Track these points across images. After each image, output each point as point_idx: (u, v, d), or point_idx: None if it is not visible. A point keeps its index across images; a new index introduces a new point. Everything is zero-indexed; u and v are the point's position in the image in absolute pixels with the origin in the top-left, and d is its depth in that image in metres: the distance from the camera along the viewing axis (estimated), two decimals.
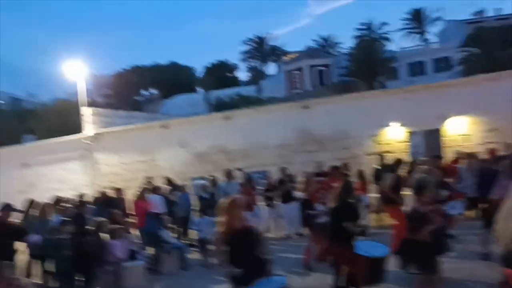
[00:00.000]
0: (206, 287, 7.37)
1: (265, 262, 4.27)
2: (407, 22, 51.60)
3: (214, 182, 11.22)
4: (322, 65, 44.78)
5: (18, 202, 8.54)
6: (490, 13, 49.35)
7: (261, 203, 11.33)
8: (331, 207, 5.72)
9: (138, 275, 7.38)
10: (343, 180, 6.41)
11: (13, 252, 6.25)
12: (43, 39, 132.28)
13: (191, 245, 10.59)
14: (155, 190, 10.62)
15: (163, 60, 60.39)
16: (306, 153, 14.73)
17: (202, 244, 8.82)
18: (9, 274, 4.45)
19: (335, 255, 5.48)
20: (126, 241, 7.53)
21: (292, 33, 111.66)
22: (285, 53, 52.30)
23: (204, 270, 8.47)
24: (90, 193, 14.40)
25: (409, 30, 51.97)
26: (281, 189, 10.87)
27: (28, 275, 8.05)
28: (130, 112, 24.33)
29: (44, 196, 12.28)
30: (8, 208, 6.42)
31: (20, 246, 7.25)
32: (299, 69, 44.79)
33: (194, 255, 9.29)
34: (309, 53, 46.58)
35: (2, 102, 46.89)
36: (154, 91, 52.99)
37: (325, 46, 51.73)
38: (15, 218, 7.14)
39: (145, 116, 25.16)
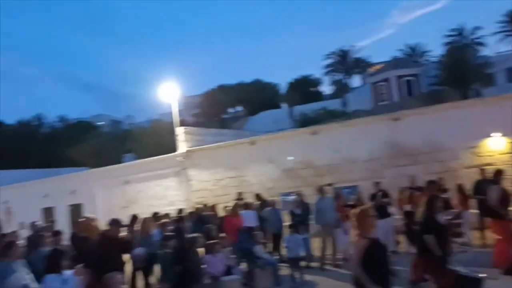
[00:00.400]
0: None
1: (391, 275, 4.17)
2: (503, 24, 48.06)
3: (303, 198, 11.20)
4: (410, 75, 43.10)
5: (120, 217, 9.19)
6: None
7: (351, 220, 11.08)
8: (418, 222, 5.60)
9: None
10: (428, 195, 6.19)
11: (121, 264, 6.73)
12: (138, 65, 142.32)
13: (282, 261, 10.64)
14: (247, 205, 10.85)
15: (248, 78, 62.11)
16: (396, 167, 14.19)
17: (293, 261, 8.82)
18: (119, 284, 4.82)
19: (426, 270, 5.30)
20: (222, 256, 7.77)
21: (376, 44, 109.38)
22: (370, 64, 51.22)
23: (296, 286, 8.46)
24: (183, 208, 15.10)
25: (505, 33, 48.34)
26: (373, 204, 10.57)
27: (133, 286, 8.60)
28: (219, 130, 25.20)
29: (143, 211, 13.13)
30: (116, 223, 6.95)
31: (125, 259, 7.77)
32: (386, 80, 43.51)
33: (284, 271, 9.32)
34: (396, 63, 45.10)
35: (104, 124, 51.03)
36: (239, 108, 54.52)
37: (412, 55, 49.83)
38: (121, 232, 7.69)
39: (233, 133, 25.91)
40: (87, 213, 17.79)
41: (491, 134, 13.08)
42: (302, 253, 9.05)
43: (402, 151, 14.35)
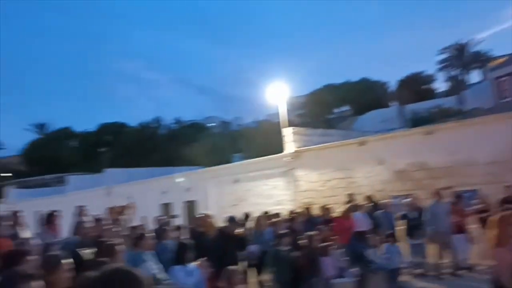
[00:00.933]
0: None
1: None
2: None
3: (418, 201, 10.68)
4: None
5: (231, 214, 9.58)
6: None
7: (473, 226, 10.34)
8: None
9: None
10: None
11: (237, 260, 7.04)
12: (246, 67, 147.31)
13: None
14: (358, 207, 10.65)
15: (355, 77, 60.76)
16: None
17: (390, 273, 8.36)
18: (239, 278, 5.04)
19: None
20: (335, 258, 7.74)
21: (496, 37, 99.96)
22: (491, 58, 47.00)
23: None
24: (291, 208, 15.27)
25: None
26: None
27: (245, 282, 8.92)
28: (326, 130, 25.04)
29: (251, 210, 13.56)
30: (233, 220, 7.29)
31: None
32: (510, 75, 39.59)
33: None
34: None
35: (215, 125, 53.62)
36: (345, 108, 53.57)
37: None
38: (237, 229, 8.03)
39: (340, 133, 25.56)
40: (200, 209, 18.87)
41: None
42: (399, 264, 8.61)
43: None
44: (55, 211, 8.28)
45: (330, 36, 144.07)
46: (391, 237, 9.23)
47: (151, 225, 10.13)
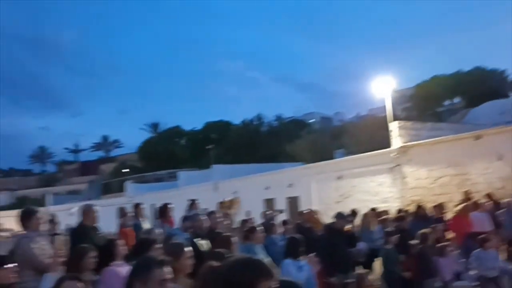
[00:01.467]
0: None
1: None
2: None
3: None
4: None
5: (335, 211, 9.42)
6: None
7: None
8: None
9: None
10: None
11: (347, 257, 6.95)
12: (346, 62, 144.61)
13: None
14: (477, 206, 9.86)
15: (467, 66, 56.31)
16: None
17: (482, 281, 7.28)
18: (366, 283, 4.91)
19: None
20: (452, 259, 7.27)
21: None
22: None
23: None
24: (398, 206, 14.68)
25: None
26: None
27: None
28: (435, 124, 23.61)
29: (356, 206, 13.26)
30: (341, 216, 7.20)
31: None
32: None
33: None
34: None
35: (314, 121, 53.39)
36: (457, 100, 49.98)
37: None
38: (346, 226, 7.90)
39: (451, 127, 23.92)
40: (303, 205, 18.92)
41: None
42: (494, 273, 7.41)
43: None
44: (168, 203, 8.84)
45: (437, 25, 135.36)
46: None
47: (258, 220, 10.39)
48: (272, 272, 1.86)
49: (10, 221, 16.31)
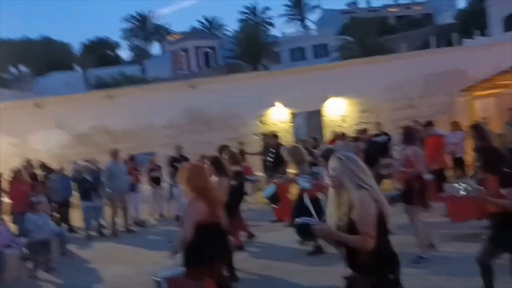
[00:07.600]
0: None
1: None
2: (288, 8, 53.64)
3: (95, 164, 10.58)
4: (208, 47, 44.66)
5: None
6: (362, 5, 53.59)
7: (145, 185, 11.21)
8: None
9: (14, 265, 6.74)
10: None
11: None
12: None
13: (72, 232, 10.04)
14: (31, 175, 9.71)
15: (34, 34, 55.02)
16: (194, 134, 14.57)
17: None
18: None
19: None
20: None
21: (176, 13, 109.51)
22: (170, 33, 51.08)
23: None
24: None
25: (290, 17, 54.09)
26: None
27: None
28: None
29: None
30: None
31: None
32: (185, 50, 44.13)
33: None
34: (195, 34, 46.11)
35: None
36: (23, 68, 48.14)
37: (210, 28, 51.59)
38: None
39: (15, 94, 22.80)
40: None
41: (275, 104, 14.54)
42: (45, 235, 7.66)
43: (200, 118, 14.80)
44: None
45: None
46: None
47: None
48: None
49: None
